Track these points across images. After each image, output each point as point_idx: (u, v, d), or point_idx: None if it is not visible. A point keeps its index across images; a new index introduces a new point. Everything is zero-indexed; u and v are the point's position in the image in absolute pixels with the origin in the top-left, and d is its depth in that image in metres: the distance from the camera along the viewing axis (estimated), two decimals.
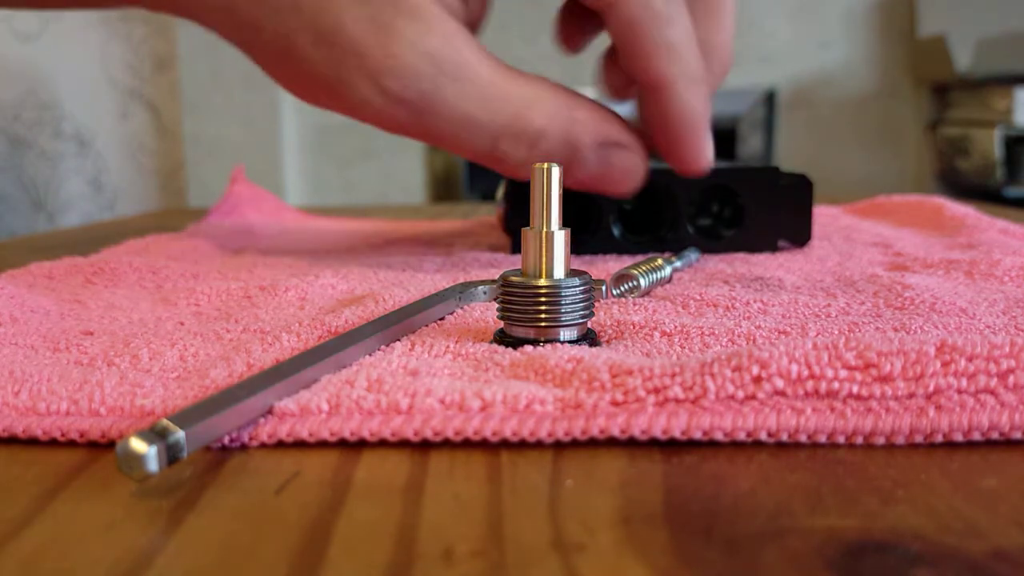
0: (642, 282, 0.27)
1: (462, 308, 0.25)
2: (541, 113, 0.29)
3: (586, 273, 0.21)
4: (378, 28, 0.27)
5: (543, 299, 0.20)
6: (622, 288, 0.27)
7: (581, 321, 0.21)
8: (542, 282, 0.21)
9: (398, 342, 0.22)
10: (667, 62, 0.29)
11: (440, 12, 0.28)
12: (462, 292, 0.25)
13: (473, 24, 0.31)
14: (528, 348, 0.20)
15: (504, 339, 0.21)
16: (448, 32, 0.28)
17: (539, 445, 0.16)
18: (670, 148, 0.31)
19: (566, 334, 0.21)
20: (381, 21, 0.27)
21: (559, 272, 0.21)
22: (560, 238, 0.21)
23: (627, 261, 0.35)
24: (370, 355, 0.20)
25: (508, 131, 0.29)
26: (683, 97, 0.29)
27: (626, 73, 0.30)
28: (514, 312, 0.21)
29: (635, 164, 0.31)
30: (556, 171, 0.21)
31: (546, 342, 0.21)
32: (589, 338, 0.21)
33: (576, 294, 0.21)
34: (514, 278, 0.21)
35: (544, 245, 0.21)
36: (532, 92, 0.29)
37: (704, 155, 0.31)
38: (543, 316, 0.21)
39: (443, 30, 0.28)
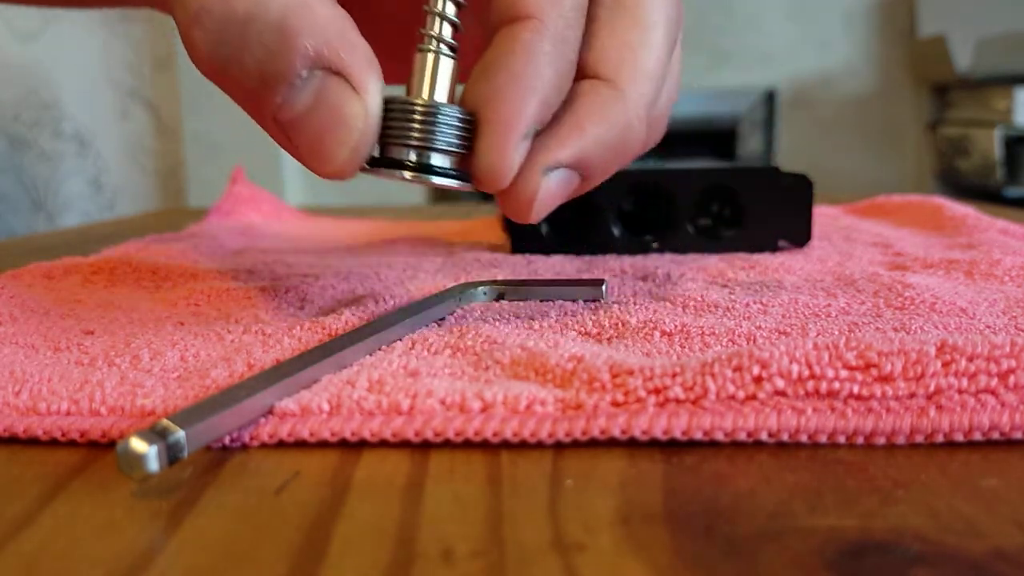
0: None
1: (462, 308, 0.25)
2: None
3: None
4: None
5: (419, 117, 0.20)
6: None
7: (457, 151, 0.20)
8: (420, 100, 0.20)
9: (398, 342, 0.21)
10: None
11: None
12: (462, 292, 0.25)
13: None
14: (528, 345, 0.20)
15: (378, 162, 0.20)
16: None
17: (539, 445, 0.16)
18: (484, 111, 0.20)
19: (438, 160, 0.20)
20: None
21: (441, 96, 0.20)
22: (448, 64, 0.20)
23: (627, 261, 0.34)
24: (370, 355, 0.20)
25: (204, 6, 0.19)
26: (540, 47, 0.20)
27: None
28: (391, 131, 0.20)
29: (352, 113, 0.19)
30: None
31: (420, 169, 0.20)
32: (464, 179, 0.20)
33: (453, 120, 0.20)
34: (396, 96, 0.20)
35: (429, 66, 0.20)
36: None
37: (509, 153, 0.20)
38: (417, 136, 0.20)
39: None
